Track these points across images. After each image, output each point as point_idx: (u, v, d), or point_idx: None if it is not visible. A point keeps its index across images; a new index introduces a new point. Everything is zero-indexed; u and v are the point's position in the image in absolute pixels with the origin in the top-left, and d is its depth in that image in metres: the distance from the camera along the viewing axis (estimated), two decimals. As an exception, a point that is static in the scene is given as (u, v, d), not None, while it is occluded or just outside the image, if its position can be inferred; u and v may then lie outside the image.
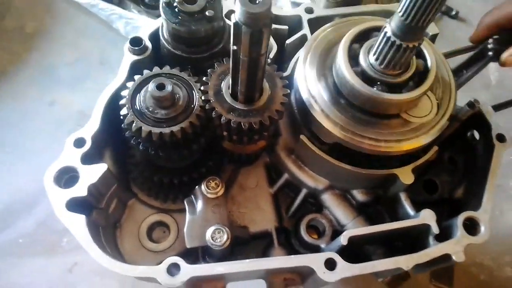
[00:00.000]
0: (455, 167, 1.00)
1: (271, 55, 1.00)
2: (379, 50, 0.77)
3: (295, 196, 0.99)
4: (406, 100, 0.78)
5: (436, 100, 0.84)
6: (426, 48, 0.82)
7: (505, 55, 0.87)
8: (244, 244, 0.95)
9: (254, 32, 0.65)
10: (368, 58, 0.81)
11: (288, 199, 1.01)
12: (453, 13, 2.18)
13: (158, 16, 2.03)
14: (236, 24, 0.65)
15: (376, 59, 0.79)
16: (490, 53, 0.91)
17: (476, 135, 0.97)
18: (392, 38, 0.73)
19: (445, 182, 0.98)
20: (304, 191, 0.98)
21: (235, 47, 0.70)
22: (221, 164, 0.99)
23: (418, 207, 0.89)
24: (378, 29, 0.81)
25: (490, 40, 0.92)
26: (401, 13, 0.69)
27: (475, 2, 2.25)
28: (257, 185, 1.00)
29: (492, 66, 1.46)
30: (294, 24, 1.04)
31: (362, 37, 0.85)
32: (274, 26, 1.02)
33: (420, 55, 0.82)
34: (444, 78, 0.87)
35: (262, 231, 0.96)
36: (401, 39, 0.72)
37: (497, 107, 0.99)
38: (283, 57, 1.03)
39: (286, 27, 1.03)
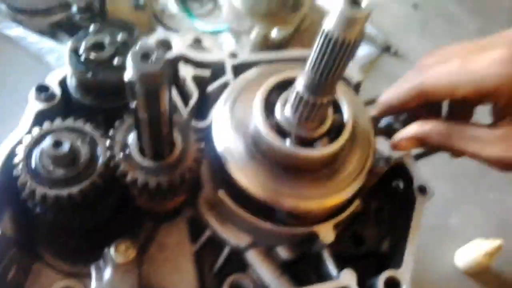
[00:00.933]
0: (382, 218, 0.98)
1: (192, 102, 0.95)
2: (292, 103, 0.74)
3: (218, 252, 0.93)
4: (321, 156, 0.75)
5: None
6: (343, 100, 0.79)
7: (397, 138, 0.82)
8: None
9: (149, 91, 0.60)
10: (284, 111, 0.77)
11: (212, 257, 0.94)
12: (393, 50, 2.25)
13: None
14: (129, 83, 0.60)
15: (292, 113, 0.75)
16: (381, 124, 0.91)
17: (401, 184, 0.96)
18: (303, 94, 0.70)
19: (372, 235, 0.96)
20: (227, 248, 0.91)
21: (133, 106, 0.64)
22: (138, 222, 0.91)
23: (344, 263, 0.85)
24: (293, 80, 0.77)
25: None
26: (309, 70, 0.66)
27: (414, 39, 2.34)
28: (178, 242, 0.93)
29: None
30: (218, 69, 1.00)
31: (282, 86, 0.82)
32: (194, 71, 0.98)
33: (337, 108, 0.79)
34: (365, 131, 0.85)
35: (182, 294, 0.88)
36: (311, 95, 0.69)
37: (419, 156, 0.99)
38: (206, 105, 0.98)
39: (208, 72, 0.99)
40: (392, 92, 0.81)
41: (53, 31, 2.02)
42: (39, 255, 0.90)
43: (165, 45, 1.01)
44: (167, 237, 0.92)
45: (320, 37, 0.62)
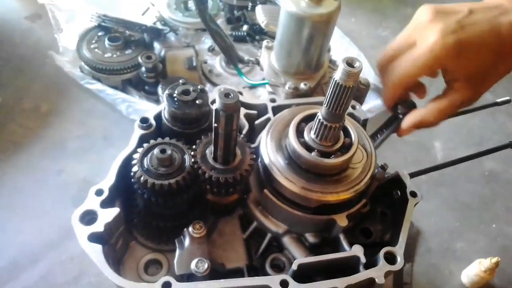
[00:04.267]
0: (385, 218, 1.30)
1: (244, 132, 1.33)
2: (315, 128, 1.11)
3: (262, 240, 1.26)
4: (336, 164, 1.11)
5: (365, 151, 1.19)
6: (350, 127, 1.16)
7: (403, 125, 1.17)
8: (221, 277, 1.20)
9: (228, 115, 0.99)
10: (310, 134, 1.14)
11: (257, 243, 1.28)
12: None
13: (156, 100, 2.45)
14: (216, 110, 0.99)
15: (314, 135, 1.12)
16: (401, 116, 1.26)
17: (398, 192, 1.28)
18: (322, 121, 1.07)
19: (378, 229, 1.27)
20: (268, 236, 1.25)
21: (215, 125, 1.03)
22: (204, 214, 1.27)
23: (355, 247, 1.17)
24: (315, 115, 1.14)
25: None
26: (325, 105, 1.04)
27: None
28: (233, 231, 1.27)
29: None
30: (262, 110, 1.40)
31: (307, 119, 1.20)
32: (246, 111, 1.37)
33: (346, 131, 1.16)
34: (366, 147, 1.20)
35: (236, 267, 1.21)
36: (327, 122, 1.06)
37: (413, 175, 1.32)
38: (253, 134, 1.37)
39: (255, 112, 1.38)
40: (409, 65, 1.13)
41: (124, 86, 2.51)
42: (134, 236, 1.26)
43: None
44: (225, 227, 1.27)
45: (332, 84, 1.00)
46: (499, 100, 1.51)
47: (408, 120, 1.18)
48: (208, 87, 2.65)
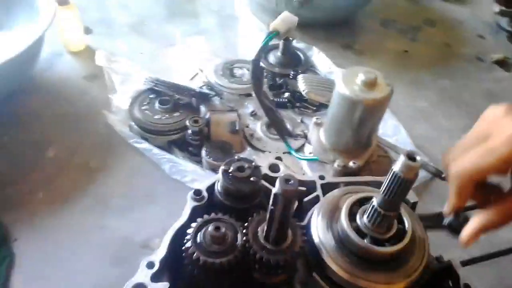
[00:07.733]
0: (437, 311, 1.25)
1: (293, 208, 1.35)
2: (369, 214, 1.12)
3: (308, 323, 1.23)
4: (389, 253, 1.10)
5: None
6: (404, 215, 1.16)
7: (465, 236, 1.02)
8: None
9: (287, 200, 1.01)
10: (362, 219, 1.15)
11: (302, 326, 1.25)
12: (443, 175, 2.58)
13: (198, 162, 2.50)
14: (275, 195, 1.02)
15: (368, 220, 1.13)
16: (445, 223, 1.23)
17: (450, 284, 1.24)
18: (377, 208, 1.08)
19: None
20: (316, 320, 1.22)
21: (272, 207, 1.06)
22: (250, 291, 1.26)
23: None
24: (370, 198, 1.16)
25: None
26: (382, 193, 1.05)
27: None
28: (278, 311, 1.25)
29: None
30: (311, 187, 1.42)
31: (359, 203, 1.20)
32: (296, 188, 1.40)
33: (401, 220, 1.16)
34: (420, 236, 1.19)
35: None
36: (383, 210, 1.07)
37: (465, 263, 1.28)
38: (302, 210, 1.38)
39: (304, 188, 1.41)
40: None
41: (169, 146, 2.60)
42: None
43: (275, 167, 1.47)
44: (270, 307, 1.25)
45: (390, 174, 1.02)
46: None
47: (472, 225, 1.02)
48: (248, 150, 2.71)
